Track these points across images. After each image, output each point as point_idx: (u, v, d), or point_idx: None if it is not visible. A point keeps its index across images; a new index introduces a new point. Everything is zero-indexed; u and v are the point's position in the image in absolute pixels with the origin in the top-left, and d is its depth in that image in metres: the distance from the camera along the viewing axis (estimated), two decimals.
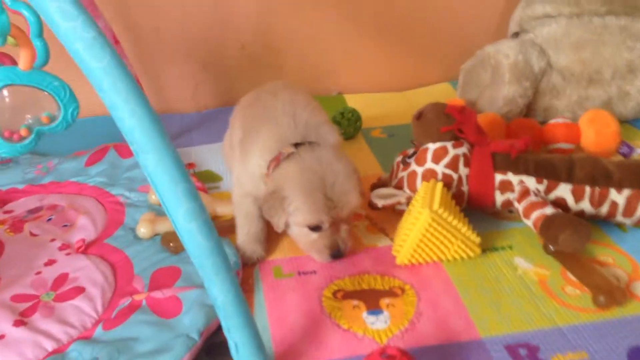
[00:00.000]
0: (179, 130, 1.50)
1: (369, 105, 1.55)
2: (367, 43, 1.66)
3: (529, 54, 1.37)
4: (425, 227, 0.91)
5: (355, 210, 0.95)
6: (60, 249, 0.99)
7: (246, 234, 1.00)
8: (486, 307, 0.87)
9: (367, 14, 1.62)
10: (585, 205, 0.99)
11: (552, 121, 1.27)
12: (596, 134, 1.22)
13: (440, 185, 0.97)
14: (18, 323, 0.84)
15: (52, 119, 0.75)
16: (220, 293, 0.69)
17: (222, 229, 1.05)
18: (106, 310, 0.87)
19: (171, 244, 0.99)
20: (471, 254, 0.95)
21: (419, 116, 1.05)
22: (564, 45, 1.38)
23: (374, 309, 0.87)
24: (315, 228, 0.93)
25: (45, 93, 0.74)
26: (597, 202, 0.99)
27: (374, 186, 1.13)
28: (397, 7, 1.63)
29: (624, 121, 1.38)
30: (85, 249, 0.99)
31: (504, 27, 1.65)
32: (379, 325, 0.84)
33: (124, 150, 1.30)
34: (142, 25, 1.50)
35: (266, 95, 1.04)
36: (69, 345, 0.80)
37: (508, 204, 1.02)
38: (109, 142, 1.35)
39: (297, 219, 0.92)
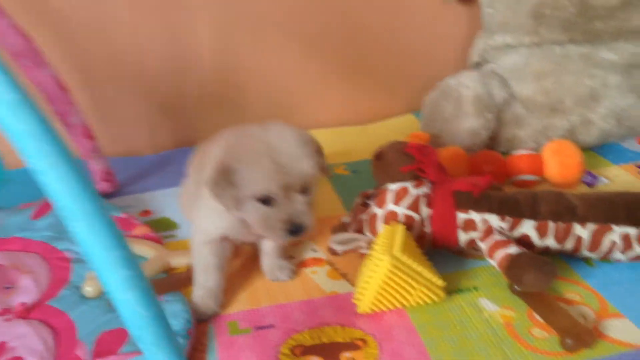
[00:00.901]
0: (136, 174, 1.45)
1: (332, 140, 1.52)
2: (330, 77, 1.63)
3: (491, 85, 1.35)
4: (386, 274, 0.87)
5: (310, 178, 0.87)
6: (1, 314, 0.93)
7: (202, 289, 0.95)
8: (451, 355, 0.83)
9: (329, 48, 1.60)
10: (550, 241, 0.97)
11: (516, 153, 1.25)
12: (560, 165, 1.20)
13: (401, 228, 0.94)
14: None
15: None
16: None
17: (177, 282, 1.01)
18: None
19: None
20: (435, 298, 0.92)
21: (379, 156, 1.02)
22: (526, 75, 1.37)
23: None
24: (266, 201, 0.86)
25: None
26: (561, 238, 0.96)
27: (335, 229, 1.09)
28: (358, 41, 1.61)
29: (587, 148, 1.36)
30: (26, 313, 0.93)
31: (466, 55, 1.64)
32: None
33: None
34: (97, 66, 1.46)
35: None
36: None
37: (472, 243, 0.99)
38: None
39: (245, 191, 0.86)
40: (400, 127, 1.62)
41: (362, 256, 1.01)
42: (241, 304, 0.97)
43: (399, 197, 0.98)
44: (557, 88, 1.35)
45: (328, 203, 1.25)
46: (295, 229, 0.86)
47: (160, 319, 0.64)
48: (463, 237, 0.98)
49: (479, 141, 1.33)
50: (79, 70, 1.46)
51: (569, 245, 0.97)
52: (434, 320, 0.90)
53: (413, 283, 0.89)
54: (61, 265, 1.05)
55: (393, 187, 0.99)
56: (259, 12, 1.51)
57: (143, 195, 1.35)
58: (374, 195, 1.02)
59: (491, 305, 0.92)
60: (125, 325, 0.64)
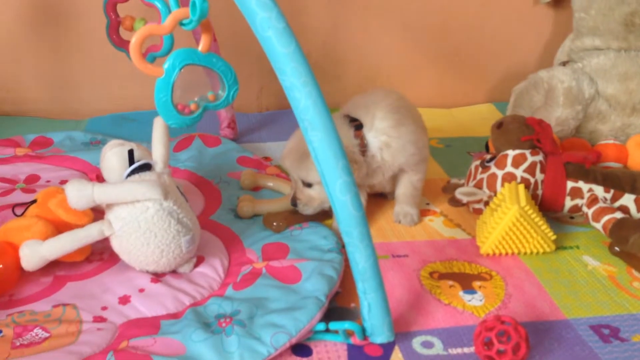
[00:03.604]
0: (247, 128, 1.60)
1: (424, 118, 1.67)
2: (422, 62, 1.79)
3: (581, 80, 1.50)
4: (512, 221, 1.02)
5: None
6: None
7: None
8: (566, 294, 0.98)
9: (425, 36, 1.75)
10: None
11: (603, 141, 1.40)
12: None
13: (522, 187, 1.08)
14: (154, 280, 0.93)
15: (216, 97, 0.85)
16: (362, 258, 0.80)
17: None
18: (228, 275, 0.96)
19: (274, 224, 1.09)
20: (547, 249, 1.06)
21: (500, 125, 1.17)
22: (612, 75, 1.51)
23: (469, 289, 0.97)
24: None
25: (214, 74, 0.84)
26: None
27: (445, 188, 1.24)
28: (451, 32, 1.77)
29: None
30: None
31: (546, 57, 1.80)
32: (475, 303, 0.94)
33: (208, 139, 1.40)
34: (222, 27, 1.61)
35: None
36: (207, 300, 0.89)
37: (576, 209, 1.13)
38: (177, 132, 1.45)
39: None
40: (481, 114, 1.77)
41: (475, 211, 1.16)
42: (373, 238, 1.11)
43: (517, 162, 1.12)
44: (639, 90, 1.50)
45: (431, 168, 1.40)
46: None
47: (365, 220, 0.79)
48: (569, 202, 1.13)
49: (567, 130, 1.48)
50: None
51: None
52: (546, 266, 1.04)
53: (532, 232, 1.04)
54: (211, 189, 1.20)
55: (512, 152, 1.14)
56: None
57: (259, 144, 1.50)
58: (492, 158, 1.16)
59: (593, 261, 1.07)
60: (338, 223, 0.79)
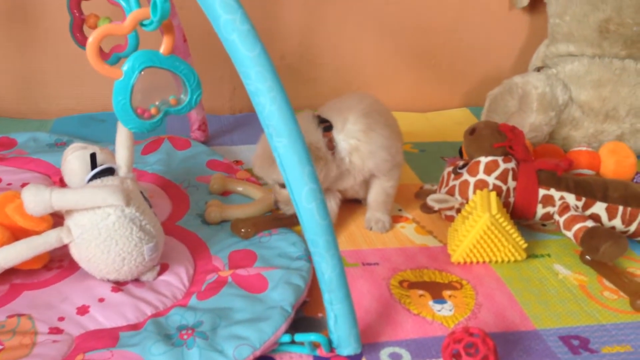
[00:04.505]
0: (218, 130, 1.57)
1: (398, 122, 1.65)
2: (398, 65, 1.77)
3: (555, 86, 1.49)
4: (484, 229, 1.01)
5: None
6: None
7: None
8: (536, 304, 0.96)
9: (401, 41, 1.74)
10: (617, 223, 1.10)
11: (576, 148, 1.39)
12: (616, 164, 1.33)
13: (494, 194, 1.07)
14: (115, 289, 0.90)
15: (178, 101, 0.82)
16: (328, 268, 0.77)
17: (286, 219, 1.12)
18: (193, 284, 0.93)
19: (242, 230, 1.06)
20: (518, 258, 1.05)
21: (472, 132, 1.16)
22: (585, 82, 1.51)
23: (438, 299, 0.96)
24: None
25: (173, 78, 0.81)
26: (627, 221, 1.10)
27: (418, 194, 1.23)
28: (427, 37, 1.76)
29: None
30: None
31: (521, 62, 1.80)
32: (445, 313, 0.93)
33: (178, 142, 1.37)
34: (193, 27, 1.58)
35: None
36: (169, 310, 0.86)
37: (547, 217, 1.12)
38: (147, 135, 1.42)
39: None
40: (456, 118, 1.76)
41: (447, 218, 1.15)
42: (343, 245, 1.09)
43: (490, 169, 1.11)
44: (612, 97, 1.50)
45: (404, 173, 1.38)
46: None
47: (331, 229, 0.77)
48: (540, 210, 1.12)
49: (540, 136, 1.47)
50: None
51: (632, 228, 1.11)
52: (517, 275, 1.03)
53: (503, 240, 1.03)
54: (178, 194, 1.17)
55: (485, 159, 1.12)
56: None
57: (230, 147, 1.47)
58: (464, 165, 1.15)
59: (564, 270, 1.06)
60: (304, 231, 0.76)
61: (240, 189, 1.20)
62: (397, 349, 0.85)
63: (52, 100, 1.63)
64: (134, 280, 0.92)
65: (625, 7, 1.48)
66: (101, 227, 0.86)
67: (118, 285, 0.91)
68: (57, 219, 0.94)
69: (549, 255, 1.10)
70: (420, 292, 0.97)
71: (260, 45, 0.72)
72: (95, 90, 1.63)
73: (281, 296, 0.88)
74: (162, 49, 0.79)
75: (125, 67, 0.77)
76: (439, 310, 0.93)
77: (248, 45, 0.71)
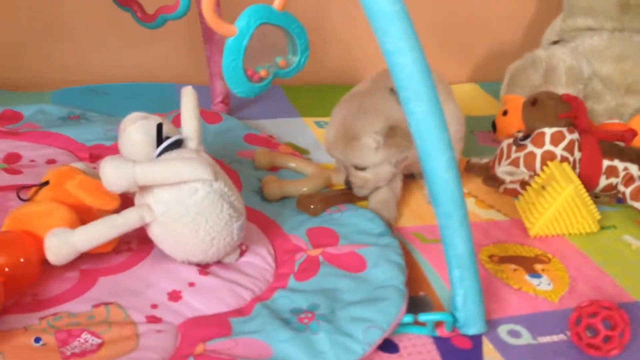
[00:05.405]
0: (238, 104, 1.47)
1: None
2: None
3: (581, 60, 1.49)
4: (567, 200, 0.98)
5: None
6: None
7: (377, 201, 1.02)
8: (624, 275, 0.94)
9: (413, 15, 1.68)
10: None
11: (609, 121, 1.39)
12: None
13: (567, 165, 1.04)
14: (202, 272, 0.81)
15: (288, 63, 0.74)
16: (461, 242, 0.72)
17: (345, 195, 1.05)
18: (280, 265, 0.86)
19: (312, 207, 0.99)
20: (594, 229, 1.03)
21: (534, 102, 1.12)
22: (606, 56, 1.51)
23: (532, 273, 0.92)
24: None
25: (283, 37, 0.73)
26: None
27: (468, 168, 1.19)
28: (434, 9, 1.71)
29: None
30: None
31: (529, 36, 1.78)
32: (545, 287, 0.89)
33: (207, 115, 1.27)
34: None
35: None
36: (272, 293, 0.78)
37: (610, 188, 1.11)
38: (162, 109, 1.31)
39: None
40: (466, 93, 1.73)
41: (507, 191, 1.12)
42: (410, 221, 1.04)
43: (556, 140, 1.08)
44: (634, 71, 1.51)
45: None
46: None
47: (464, 202, 0.71)
48: (603, 181, 1.11)
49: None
50: None
51: None
52: (594, 247, 1.01)
53: (584, 212, 1.00)
54: (226, 170, 1.07)
55: (549, 130, 1.09)
56: None
57: (256, 121, 1.38)
58: (525, 137, 1.11)
59: (635, 240, 1.05)
60: (436, 203, 0.70)
61: (292, 164, 1.12)
62: (513, 326, 0.81)
63: (43, 71, 1.48)
64: (216, 263, 0.83)
65: None
66: (189, 204, 0.77)
67: (203, 269, 0.81)
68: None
69: (614, 227, 1.08)
70: (513, 266, 0.93)
71: (401, 0, 0.65)
72: (89, 61, 1.50)
73: (386, 275, 0.81)
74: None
75: (239, 23, 0.67)
76: (538, 285, 0.89)
77: None
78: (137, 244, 0.85)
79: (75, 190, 0.81)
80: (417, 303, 0.83)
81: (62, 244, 0.74)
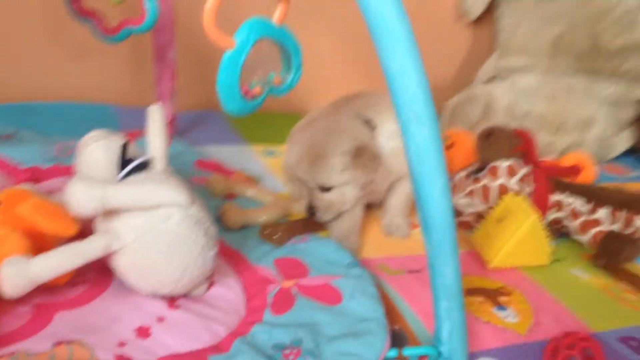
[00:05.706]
0: (182, 128, 1.42)
1: None
2: (348, 73, 1.73)
3: (517, 98, 1.55)
4: (530, 231, 1.00)
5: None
6: None
7: (340, 230, 1.00)
8: (580, 307, 0.97)
9: (349, 47, 1.70)
10: (616, 227, 1.15)
11: (546, 158, 1.45)
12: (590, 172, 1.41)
13: (523, 198, 1.07)
14: (171, 306, 0.75)
15: (282, 80, 0.71)
16: (450, 272, 0.71)
17: (307, 224, 1.02)
18: (251, 298, 0.81)
19: (275, 236, 0.95)
20: (547, 262, 1.06)
21: (489, 136, 1.15)
22: (540, 95, 1.59)
23: (499, 305, 0.92)
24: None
25: (277, 53, 0.70)
26: (624, 225, 1.16)
27: None
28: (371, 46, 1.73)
29: None
30: None
31: (463, 73, 1.85)
32: (512, 319, 0.90)
33: None
34: None
35: None
36: (249, 327, 0.73)
37: (556, 222, 1.15)
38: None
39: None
40: None
41: (461, 224, 1.13)
42: (372, 252, 1.03)
43: (511, 172, 1.11)
44: (564, 111, 1.59)
45: None
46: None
47: (455, 231, 0.70)
48: (549, 215, 1.14)
49: None
50: None
51: (628, 231, 1.16)
52: (547, 279, 1.03)
53: (544, 243, 1.03)
54: None
55: (504, 163, 1.12)
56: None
57: (201, 147, 1.33)
58: (479, 170, 1.14)
59: (583, 274, 1.08)
60: (428, 232, 0.69)
61: (250, 192, 1.08)
62: None
63: None
64: (183, 295, 0.78)
65: (579, 24, 1.58)
66: (163, 231, 0.71)
67: (172, 302, 0.76)
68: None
69: (564, 260, 1.11)
70: (479, 299, 0.93)
71: (408, 22, 0.64)
72: (30, 77, 1.40)
73: (364, 307, 0.79)
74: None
75: (239, 37, 0.64)
76: (505, 317, 0.90)
77: (400, 17, 0.63)
78: (95, 275, 0.77)
79: (30, 213, 0.73)
80: (394, 337, 0.81)
81: (19, 275, 0.66)
